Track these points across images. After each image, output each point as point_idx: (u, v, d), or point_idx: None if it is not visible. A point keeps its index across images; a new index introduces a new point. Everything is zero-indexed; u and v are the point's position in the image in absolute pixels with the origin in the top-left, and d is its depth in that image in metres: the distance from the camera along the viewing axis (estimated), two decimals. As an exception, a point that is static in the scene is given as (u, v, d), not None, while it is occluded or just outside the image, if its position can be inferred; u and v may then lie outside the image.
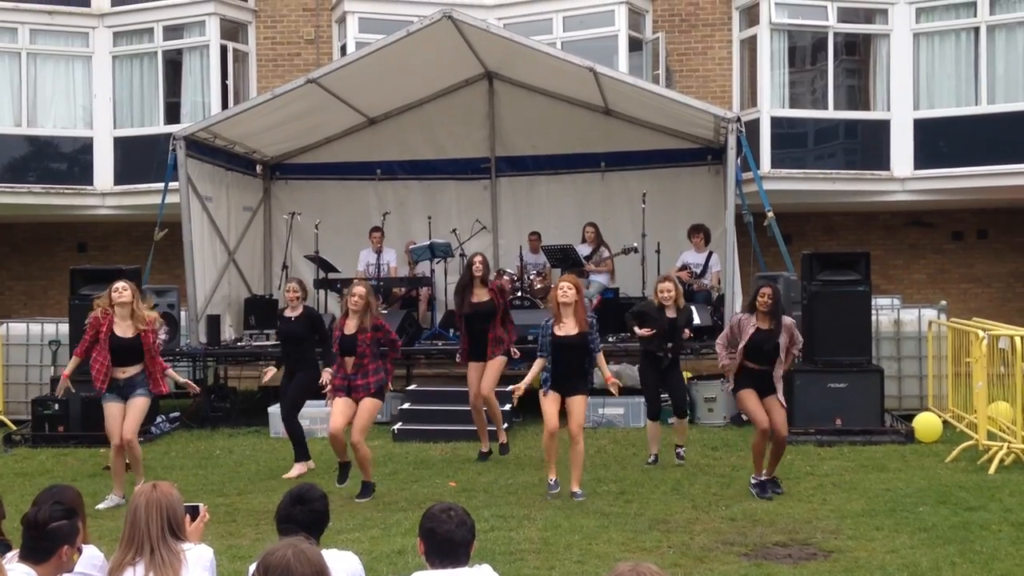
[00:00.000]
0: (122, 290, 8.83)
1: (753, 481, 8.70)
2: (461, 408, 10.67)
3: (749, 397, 8.71)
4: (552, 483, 8.74)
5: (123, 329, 8.80)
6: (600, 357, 8.90)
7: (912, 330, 12.33)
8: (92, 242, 18.23)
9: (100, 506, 8.53)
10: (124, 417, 8.75)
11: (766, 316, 8.66)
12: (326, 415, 11.17)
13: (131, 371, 8.81)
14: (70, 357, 12.04)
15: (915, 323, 12.33)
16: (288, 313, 10.08)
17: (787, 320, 8.90)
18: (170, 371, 9.22)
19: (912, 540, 7.17)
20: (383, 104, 15.22)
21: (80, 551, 4.09)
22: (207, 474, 9.83)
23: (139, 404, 8.81)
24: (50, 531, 3.92)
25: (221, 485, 9.33)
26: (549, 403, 8.71)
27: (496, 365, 10.16)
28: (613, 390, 8.91)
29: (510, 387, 9.11)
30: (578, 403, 8.73)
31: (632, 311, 10.24)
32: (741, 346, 8.66)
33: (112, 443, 8.83)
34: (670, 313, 9.82)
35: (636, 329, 9.84)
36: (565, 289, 8.75)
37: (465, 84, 15.23)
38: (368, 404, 8.69)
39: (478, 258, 10.33)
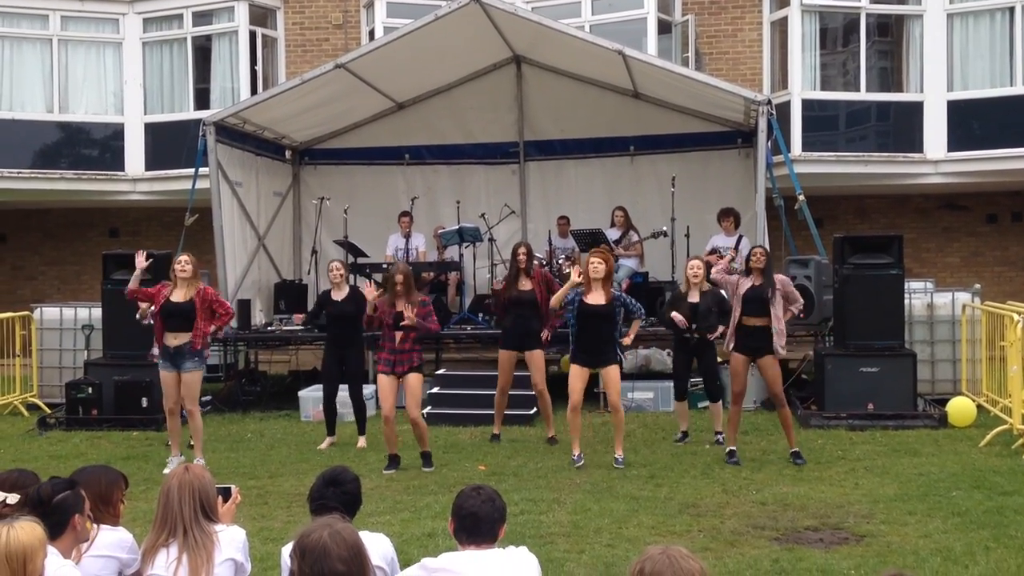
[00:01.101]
0: (184, 263, 9.30)
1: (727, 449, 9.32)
2: (490, 392, 10.67)
3: (736, 359, 9.27)
4: (576, 456, 9.05)
5: (178, 296, 9.27)
6: (636, 324, 9.41)
7: (946, 314, 12.20)
8: (124, 227, 18.37)
9: (167, 470, 9.03)
10: (178, 386, 9.30)
11: (760, 273, 9.20)
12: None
13: (182, 338, 9.24)
14: (103, 343, 12.24)
15: (948, 307, 12.20)
16: (335, 295, 10.36)
17: (780, 277, 9.45)
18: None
19: (945, 525, 7.11)
20: (411, 89, 15.21)
21: (91, 519, 4.12)
22: (238, 457, 9.90)
23: (193, 379, 9.32)
24: (57, 504, 3.94)
25: (252, 468, 9.39)
26: (575, 378, 9.07)
27: (541, 359, 10.30)
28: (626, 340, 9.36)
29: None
30: (612, 373, 9.06)
31: (667, 302, 10.39)
32: (736, 303, 9.25)
33: (165, 407, 9.43)
34: (692, 298, 9.97)
35: (673, 315, 9.98)
36: (596, 264, 9.06)
37: (493, 68, 15.19)
38: (415, 379, 9.10)
39: (522, 249, 10.45)
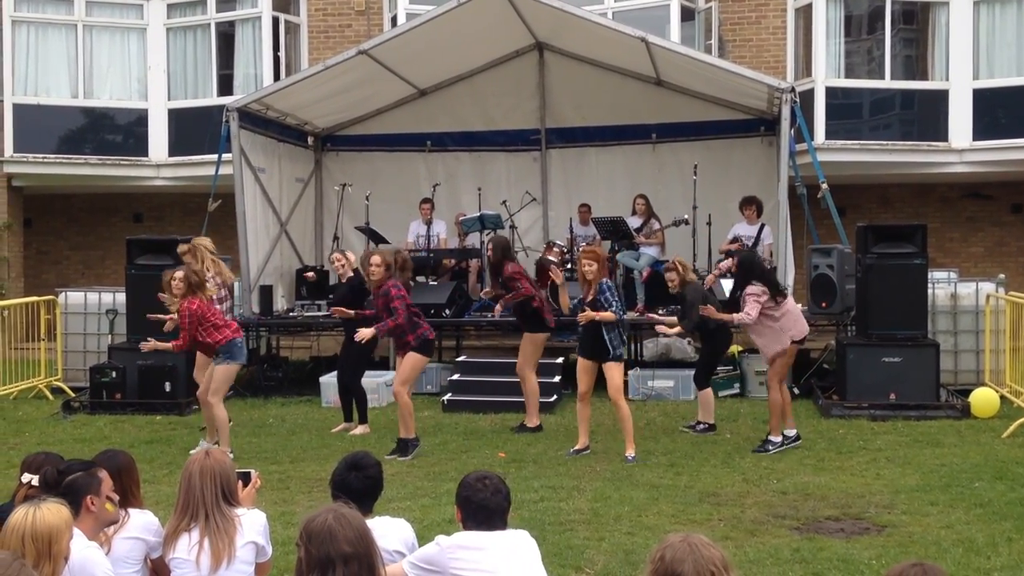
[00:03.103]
0: (178, 281, 9.20)
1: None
2: (510, 379, 10.68)
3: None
4: (571, 451, 9.18)
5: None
6: (602, 314, 8.96)
7: (969, 304, 12.11)
8: (148, 212, 18.48)
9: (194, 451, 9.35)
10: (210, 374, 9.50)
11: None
12: (377, 385, 11.40)
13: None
14: (127, 326, 12.34)
15: (972, 297, 12.11)
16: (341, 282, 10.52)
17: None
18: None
19: (967, 516, 7.08)
20: (433, 75, 15.19)
21: (113, 500, 4.15)
22: (260, 442, 9.96)
23: (220, 372, 9.36)
24: (67, 487, 3.98)
25: (274, 453, 9.45)
26: (580, 370, 9.23)
27: (526, 342, 10.35)
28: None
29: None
30: (610, 370, 9.07)
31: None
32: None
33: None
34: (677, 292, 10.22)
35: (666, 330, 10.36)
36: (584, 266, 9.13)
37: (515, 55, 15.14)
38: (410, 358, 9.28)
39: (489, 247, 10.77)
